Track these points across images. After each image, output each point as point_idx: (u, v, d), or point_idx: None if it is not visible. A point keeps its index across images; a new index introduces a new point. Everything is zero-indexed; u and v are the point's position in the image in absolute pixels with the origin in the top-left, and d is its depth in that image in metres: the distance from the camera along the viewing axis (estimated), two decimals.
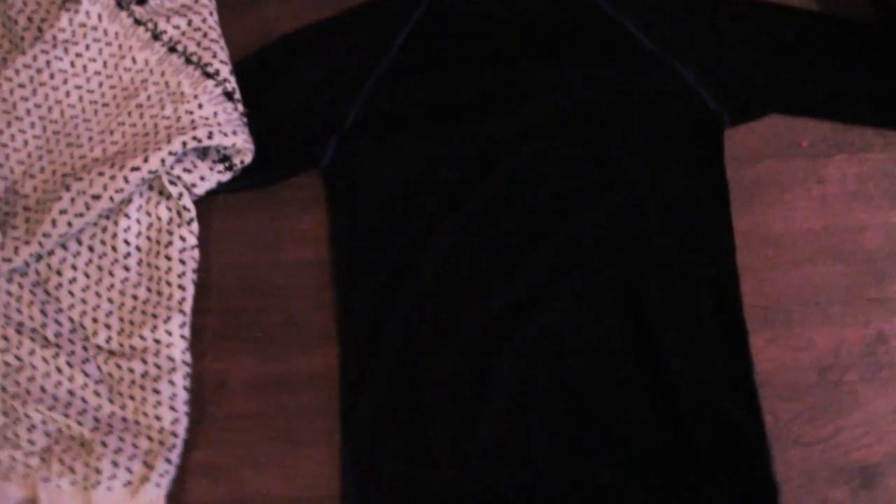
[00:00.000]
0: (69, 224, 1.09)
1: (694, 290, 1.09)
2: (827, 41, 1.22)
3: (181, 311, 1.09)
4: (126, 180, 1.08)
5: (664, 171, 1.15)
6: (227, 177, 1.15)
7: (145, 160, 1.08)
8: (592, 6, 1.23)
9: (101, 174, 1.09)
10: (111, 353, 1.08)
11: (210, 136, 1.10)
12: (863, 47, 1.20)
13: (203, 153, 1.15)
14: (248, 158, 1.15)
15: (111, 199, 1.09)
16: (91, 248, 1.13)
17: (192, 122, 1.12)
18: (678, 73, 1.18)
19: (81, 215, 1.09)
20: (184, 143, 1.09)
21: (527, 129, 1.18)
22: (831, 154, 1.18)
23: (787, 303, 1.11)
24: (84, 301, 1.11)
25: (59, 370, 1.06)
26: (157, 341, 1.08)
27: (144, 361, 1.07)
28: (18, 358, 1.06)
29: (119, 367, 1.07)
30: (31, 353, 1.06)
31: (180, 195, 1.13)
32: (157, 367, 1.07)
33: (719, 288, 1.09)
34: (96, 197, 1.08)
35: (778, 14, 1.24)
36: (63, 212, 1.08)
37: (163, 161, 1.09)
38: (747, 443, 1.03)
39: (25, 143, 1.16)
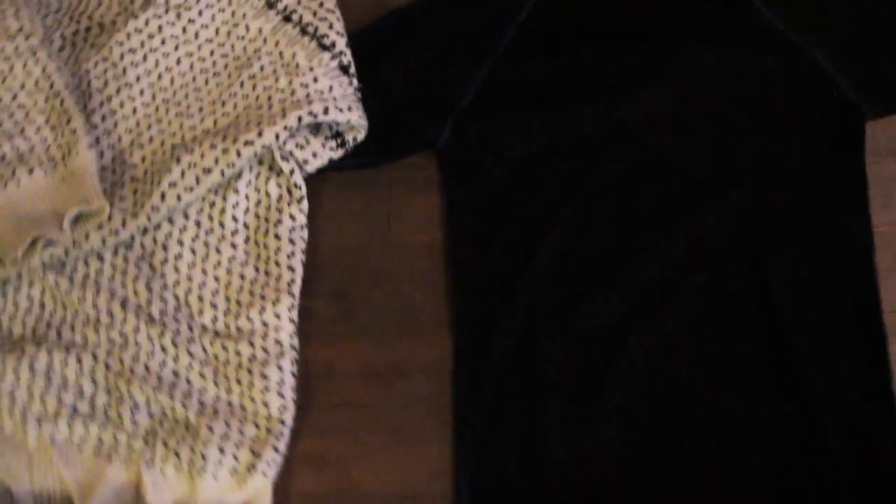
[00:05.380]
0: (178, 198, 1.06)
1: (829, 291, 1.05)
2: None
3: (290, 294, 1.06)
4: (238, 154, 1.06)
5: (799, 165, 1.11)
6: (339, 154, 1.13)
7: (259, 134, 1.06)
8: None
9: (212, 147, 1.06)
10: (217, 334, 1.06)
11: (326, 111, 1.07)
12: None
13: (316, 129, 1.12)
14: (361, 135, 1.12)
15: (222, 173, 1.06)
16: (198, 224, 1.10)
17: (308, 95, 1.09)
18: (817, 62, 1.13)
19: (191, 189, 1.06)
20: (299, 118, 1.06)
21: (654, 114, 1.14)
22: None
23: None
24: (189, 278, 1.08)
25: (163, 349, 1.04)
26: (265, 324, 1.05)
27: (252, 344, 1.04)
28: (123, 335, 1.04)
29: (225, 349, 1.04)
30: (136, 330, 1.04)
31: (291, 172, 1.10)
32: (265, 350, 1.04)
33: (856, 290, 1.05)
34: (207, 170, 1.06)
35: None
36: (173, 185, 1.06)
37: (277, 136, 1.06)
38: (880, 450, 0.98)
39: (134, 110, 1.15)
